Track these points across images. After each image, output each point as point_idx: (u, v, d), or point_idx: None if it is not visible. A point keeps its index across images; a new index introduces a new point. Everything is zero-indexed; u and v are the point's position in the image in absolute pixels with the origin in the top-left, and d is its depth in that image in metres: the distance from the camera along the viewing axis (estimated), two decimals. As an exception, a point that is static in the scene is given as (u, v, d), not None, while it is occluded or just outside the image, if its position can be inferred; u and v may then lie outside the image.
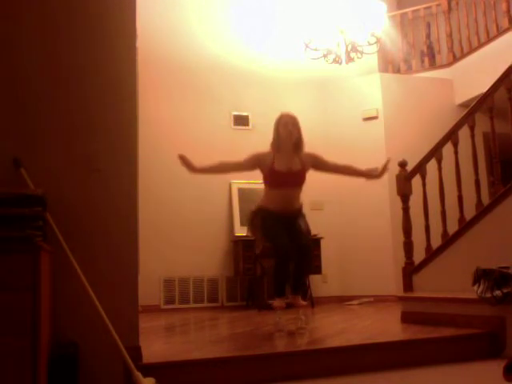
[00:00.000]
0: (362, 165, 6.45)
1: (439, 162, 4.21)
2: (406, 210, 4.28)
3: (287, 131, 3.59)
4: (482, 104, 4.02)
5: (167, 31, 6.27)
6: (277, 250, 3.49)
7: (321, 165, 3.74)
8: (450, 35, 6.81)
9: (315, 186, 6.31)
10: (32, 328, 1.99)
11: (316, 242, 5.74)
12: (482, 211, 3.78)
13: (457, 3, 6.70)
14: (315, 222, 3.90)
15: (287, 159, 3.60)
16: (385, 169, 3.68)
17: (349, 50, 5.61)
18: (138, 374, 2.26)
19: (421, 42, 7.22)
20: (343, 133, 6.65)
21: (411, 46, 7.11)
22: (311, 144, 6.91)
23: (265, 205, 3.65)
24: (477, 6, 6.42)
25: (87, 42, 2.59)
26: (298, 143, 3.62)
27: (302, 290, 3.75)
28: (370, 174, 3.72)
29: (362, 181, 6.59)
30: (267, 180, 3.66)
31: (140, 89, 4.48)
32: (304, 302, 3.70)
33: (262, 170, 3.66)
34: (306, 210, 3.82)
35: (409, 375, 2.72)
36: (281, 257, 3.46)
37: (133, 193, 2.62)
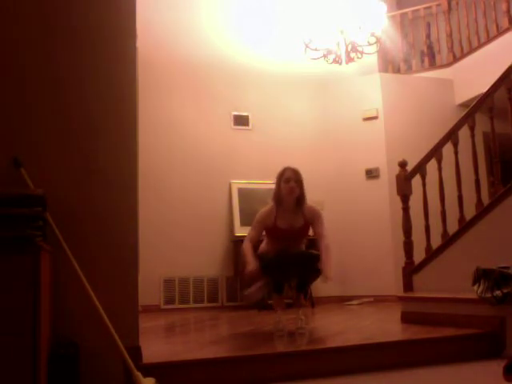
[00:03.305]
0: (362, 165, 6.54)
1: (439, 162, 4.21)
2: (405, 209, 4.28)
3: (289, 188, 3.51)
4: (482, 104, 4.02)
5: (167, 31, 6.27)
6: (266, 261, 3.45)
7: (314, 226, 3.61)
8: (450, 35, 6.81)
9: (315, 186, 6.33)
10: (32, 328, 1.99)
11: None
12: (482, 211, 3.79)
13: (457, 3, 6.70)
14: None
15: (289, 215, 3.54)
16: (324, 278, 3.41)
17: (349, 50, 5.61)
18: (138, 374, 2.26)
19: (421, 42, 7.22)
20: (343, 133, 6.65)
21: (411, 46, 7.11)
22: (311, 144, 6.86)
23: (264, 251, 3.59)
24: (477, 5, 6.42)
25: (87, 41, 2.58)
26: (299, 199, 3.55)
27: (305, 289, 3.75)
28: (322, 272, 3.44)
29: (362, 181, 6.58)
30: (269, 233, 3.62)
31: (140, 89, 4.46)
32: (305, 302, 3.69)
33: (266, 226, 3.59)
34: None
35: (409, 375, 2.73)
36: (270, 263, 3.43)
37: (133, 193, 2.62)
